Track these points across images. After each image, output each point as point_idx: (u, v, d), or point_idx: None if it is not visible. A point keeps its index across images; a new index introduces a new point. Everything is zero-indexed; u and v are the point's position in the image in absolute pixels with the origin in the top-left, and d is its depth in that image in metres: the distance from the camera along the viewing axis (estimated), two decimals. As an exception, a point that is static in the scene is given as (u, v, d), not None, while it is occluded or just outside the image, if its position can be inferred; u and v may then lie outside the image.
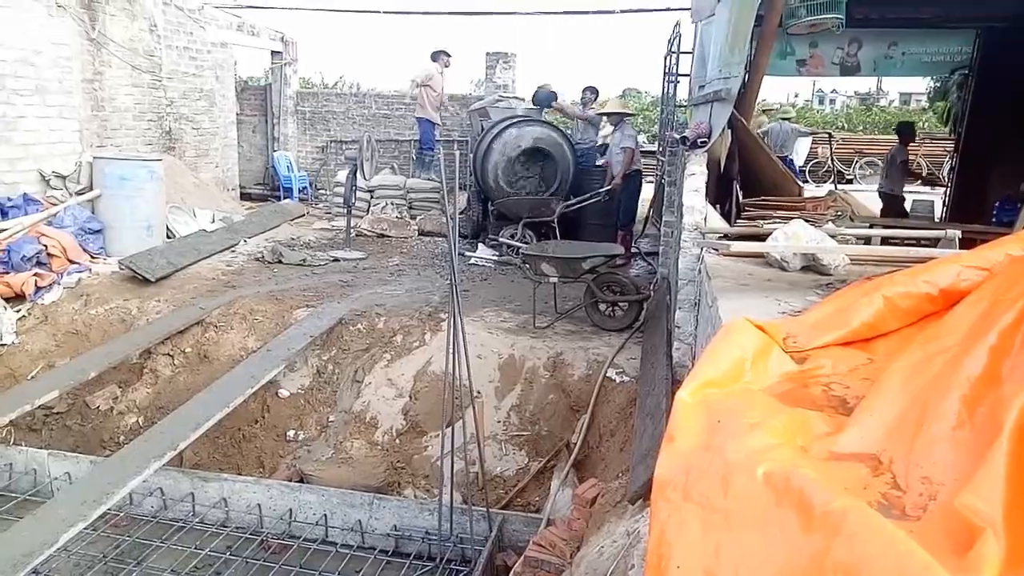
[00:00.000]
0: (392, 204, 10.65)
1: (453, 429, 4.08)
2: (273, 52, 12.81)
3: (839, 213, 5.28)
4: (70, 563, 4.12)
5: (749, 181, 5.43)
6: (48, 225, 6.88)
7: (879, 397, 1.72)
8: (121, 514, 4.55)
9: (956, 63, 8.84)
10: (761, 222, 4.29)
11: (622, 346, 5.42)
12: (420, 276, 7.45)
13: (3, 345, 5.79)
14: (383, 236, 9.50)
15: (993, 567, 1.08)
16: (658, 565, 1.45)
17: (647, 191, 9.88)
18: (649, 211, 9.67)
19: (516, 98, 10.99)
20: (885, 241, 4.37)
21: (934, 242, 4.12)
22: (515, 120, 9.00)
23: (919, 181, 9.52)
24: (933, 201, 8.97)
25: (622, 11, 10.88)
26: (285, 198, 12.07)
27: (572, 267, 5.77)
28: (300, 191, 12.58)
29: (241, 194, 11.94)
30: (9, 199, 6.90)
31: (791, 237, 3.52)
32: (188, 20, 9.86)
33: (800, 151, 14.12)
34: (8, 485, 4.79)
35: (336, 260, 8.02)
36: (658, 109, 13.50)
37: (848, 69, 8.88)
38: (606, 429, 4.73)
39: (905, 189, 8.91)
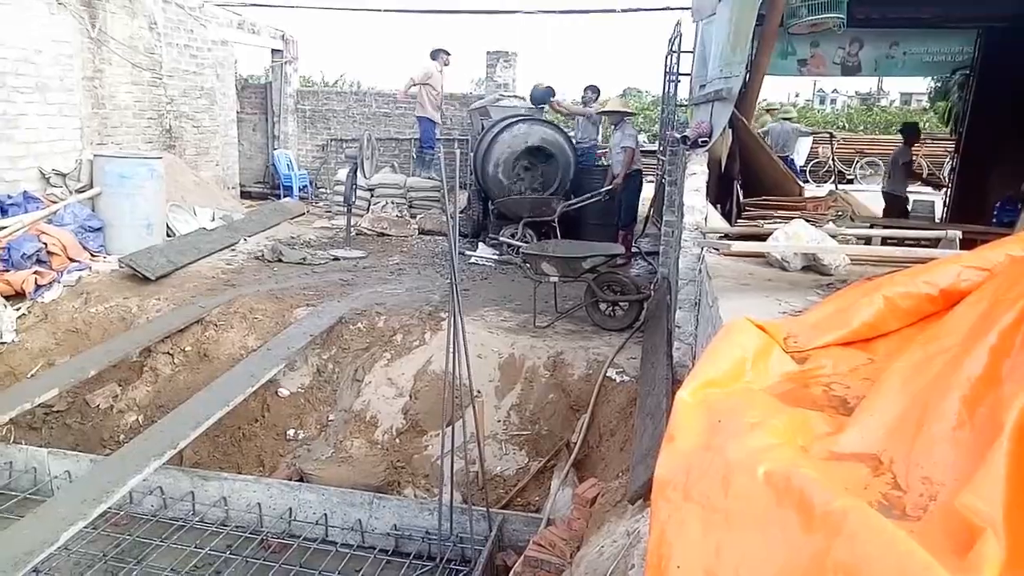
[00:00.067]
0: (392, 203, 10.64)
1: (453, 428, 4.08)
2: (274, 50, 12.81)
3: (840, 213, 5.28)
4: (70, 562, 4.12)
5: (750, 181, 5.43)
6: (48, 223, 6.88)
7: (879, 397, 1.72)
8: (121, 513, 4.55)
9: (957, 63, 8.84)
10: (762, 222, 4.29)
11: (622, 346, 5.42)
12: (420, 275, 7.45)
13: (3, 343, 5.79)
14: (383, 235, 9.50)
15: (993, 567, 1.07)
16: (658, 565, 1.45)
17: (648, 191, 9.88)
18: (650, 211, 9.67)
19: (517, 97, 10.99)
20: (886, 241, 4.37)
21: (935, 242, 4.12)
22: (516, 119, 9.00)
23: (919, 182, 9.52)
24: (933, 201, 8.98)
25: (623, 10, 10.87)
26: (285, 196, 12.07)
27: (572, 266, 5.77)
28: (300, 190, 12.58)
29: (241, 192, 11.93)
30: (9, 197, 6.90)
31: (792, 237, 3.52)
32: (188, 18, 9.86)
33: (801, 151, 14.12)
34: (8, 483, 4.79)
35: (336, 259, 8.02)
36: (659, 108, 13.50)
37: (849, 69, 8.88)
38: (606, 429, 4.73)
39: (908, 190, 8.92)
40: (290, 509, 4.55)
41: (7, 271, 6.27)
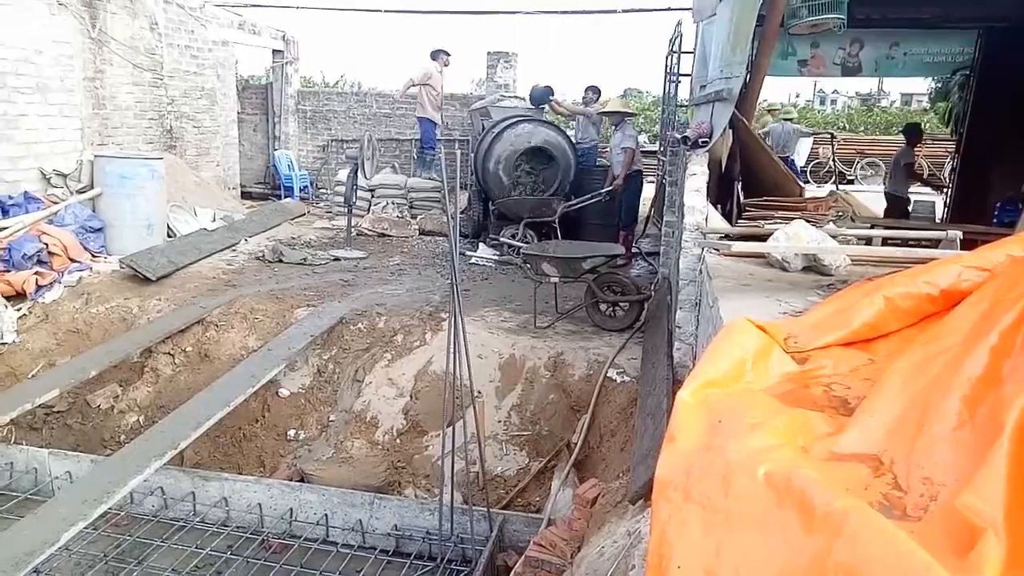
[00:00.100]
0: (393, 203, 10.65)
1: (454, 429, 4.08)
2: (274, 51, 12.82)
3: (840, 214, 5.27)
4: (71, 562, 4.12)
5: (750, 181, 5.43)
6: (49, 223, 6.88)
7: (880, 397, 1.72)
8: (122, 513, 4.55)
9: (957, 63, 8.84)
10: (762, 222, 4.29)
11: (623, 346, 5.42)
12: (421, 275, 7.46)
13: (4, 344, 5.80)
14: (384, 235, 9.50)
15: (994, 567, 1.07)
16: (659, 565, 1.45)
17: (648, 191, 9.88)
18: (650, 211, 9.67)
19: (517, 97, 10.99)
20: (887, 242, 4.37)
21: (935, 243, 4.12)
22: (516, 120, 9.00)
23: (920, 183, 9.53)
24: (934, 202, 8.98)
25: (624, 11, 10.87)
26: (286, 197, 12.07)
27: (573, 267, 5.77)
28: (301, 190, 12.59)
29: (242, 193, 11.94)
30: (10, 197, 6.90)
31: (792, 237, 3.52)
32: (189, 18, 9.87)
33: (801, 151, 14.13)
34: (9, 484, 4.79)
35: (337, 259, 8.03)
36: (659, 109, 13.50)
37: (849, 69, 8.88)
38: (607, 429, 4.73)
39: (911, 190, 8.92)
40: (291, 509, 4.55)
41: (8, 271, 6.27)
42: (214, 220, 8.72)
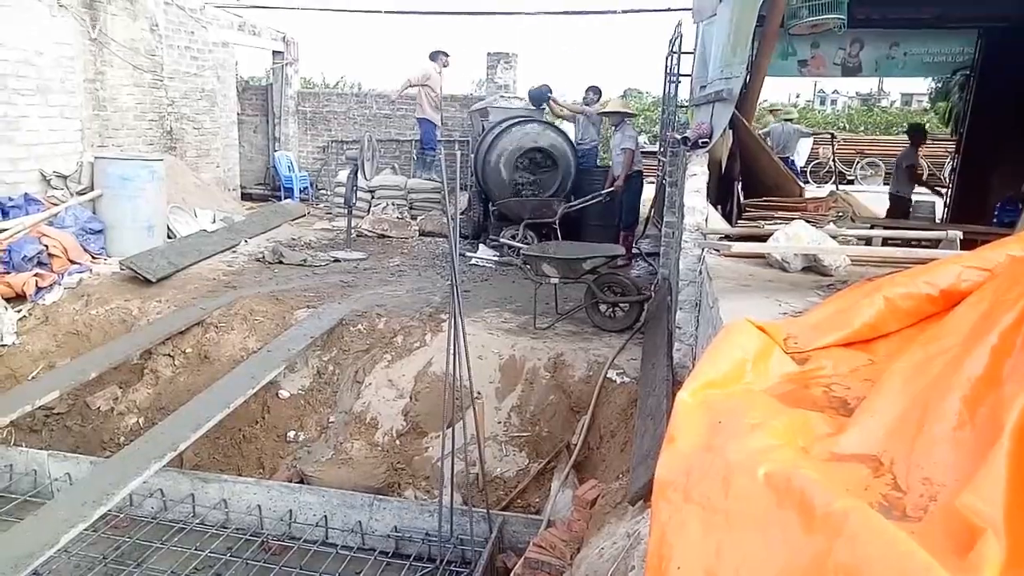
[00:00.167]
0: (393, 204, 10.66)
1: (453, 430, 4.07)
2: (274, 52, 12.82)
3: (840, 214, 5.27)
4: (70, 564, 4.12)
5: (750, 182, 5.43)
6: (49, 225, 6.89)
7: (880, 398, 1.72)
8: (121, 515, 4.54)
9: (958, 63, 8.84)
10: (762, 223, 4.29)
11: (623, 347, 5.42)
12: (421, 277, 7.46)
13: (3, 345, 5.80)
14: (384, 236, 9.50)
15: (994, 568, 1.07)
16: (659, 566, 1.45)
17: (648, 191, 9.88)
18: (650, 212, 9.67)
19: (517, 98, 10.99)
20: (888, 242, 4.37)
21: (935, 243, 4.12)
22: (516, 120, 9.00)
23: (919, 186, 9.54)
24: (934, 202, 8.98)
25: (624, 11, 10.87)
26: (286, 198, 12.08)
27: (573, 268, 5.77)
28: (301, 191, 12.60)
29: (242, 194, 11.94)
30: (10, 199, 6.91)
31: (792, 238, 3.52)
32: (189, 20, 9.87)
33: (801, 152, 14.13)
34: (8, 486, 4.78)
35: (337, 260, 8.03)
36: (659, 109, 13.50)
37: (850, 70, 8.88)
38: (606, 430, 4.73)
39: (915, 191, 8.93)
40: (290, 511, 4.54)
41: (8, 273, 6.28)
42: (214, 221, 8.73)
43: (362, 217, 9.96)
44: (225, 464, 5.20)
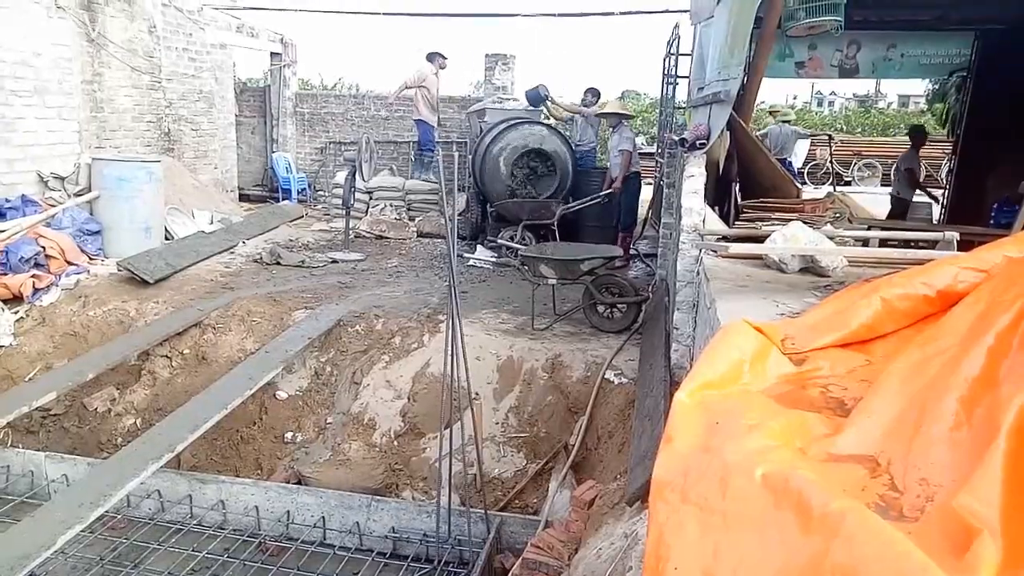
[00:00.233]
0: (391, 206, 10.65)
1: (451, 431, 4.07)
2: (272, 53, 12.82)
3: (837, 215, 5.28)
4: (67, 566, 4.11)
5: (748, 183, 5.43)
6: (46, 226, 6.88)
7: (877, 399, 1.72)
8: (119, 516, 4.54)
9: (954, 65, 8.86)
10: (759, 224, 4.29)
11: (620, 348, 5.42)
12: (419, 278, 7.45)
13: (0, 347, 5.78)
14: (382, 238, 9.50)
15: (990, 568, 1.07)
16: (656, 567, 1.45)
17: (646, 193, 9.89)
18: (648, 213, 9.67)
19: (515, 100, 11.00)
20: (886, 243, 4.37)
21: (932, 244, 4.12)
22: (514, 122, 9.01)
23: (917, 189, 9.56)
24: (932, 203, 9.00)
25: (621, 13, 10.89)
26: (284, 199, 12.07)
27: (571, 269, 5.77)
28: (299, 192, 12.59)
29: (240, 195, 11.93)
30: (7, 200, 6.89)
31: (789, 239, 3.52)
32: (187, 21, 9.86)
33: (799, 153, 14.16)
34: (5, 487, 4.77)
35: (335, 262, 8.02)
36: (657, 111, 13.51)
37: (847, 71, 8.89)
38: (604, 431, 4.73)
39: (916, 193, 8.95)
40: (288, 512, 4.54)
41: (5, 274, 6.26)
42: (212, 223, 8.72)
43: (360, 218, 9.96)
44: (223, 465, 5.20)
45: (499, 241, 7.67)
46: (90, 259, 7.02)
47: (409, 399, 5.27)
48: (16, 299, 6.16)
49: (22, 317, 6.08)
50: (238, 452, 5.26)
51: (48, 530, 3.33)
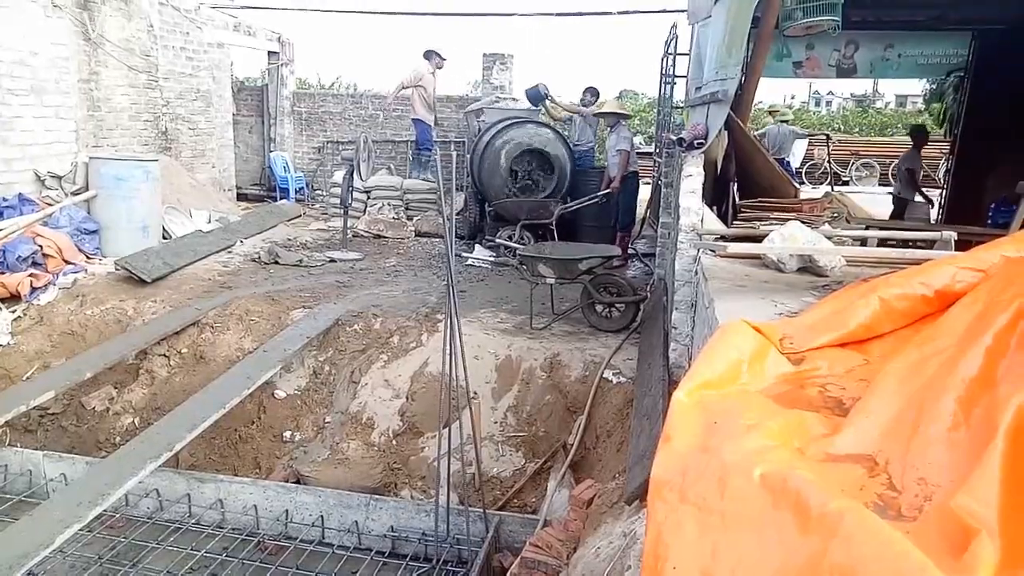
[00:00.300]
0: (389, 205, 10.65)
1: (450, 430, 4.07)
2: (270, 52, 12.80)
3: (835, 215, 5.28)
4: (65, 564, 4.11)
5: (745, 183, 5.44)
6: (44, 225, 6.86)
7: (875, 398, 1.73)
8: (117, 515, 4.53)
9: (952, 65, 8.88)
10: (758, 223, 4.29)
11: (619, 347, 5.43)
12: (417, 277, 7.45)
13: (-2, 346, 5.78)
14: (380, 237, 9.50)
15: (988, 568, 1.08)
16: (654, 566, 1.45)
17: (644, 192, 9.89)
18: (646, 212, 9.67)
19: (513, 99, 10.99)
20: (886, 243, 4.38)
21: (930, 244, 4.13)
22: (512, 121, 9.01)
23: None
24: (930, 203, 9.01)
25: (619, 12, 10.89)
26: (281, 199, 12.06)
27: (569, 268, 5.78)
28: (297, 192, 12.57)
29: (237, 195, 11.92)
30: (4, 199, 6.88)
31: (788, 238, 3.53)
32: (184, 20, 9.85)
33: (797, 153, 14.16)
34: (3, 486, 4.77)
35: (333, 261, 8.02)
36: (655, 110, 13.51)
37: (844, 71, 8.90)
38: (603, 430, 4.73)
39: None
40: (287, 511, 4.54)
41: (2, 273, 6.25)
42: (209, 222, 8.71)
43: (358, 218, 9.95)
44: (221, 464, 5.20)
45: (497, 240, 7.67)
46: (87, 258, 7.01)
47: (408, 398, 5.27)
48: (13, 298, 6.16)
49: (20, 316, 6.07)
50: (236, 451, 5.26)
51: (46, 529, 3.33)
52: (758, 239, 3.72)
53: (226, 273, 7.26)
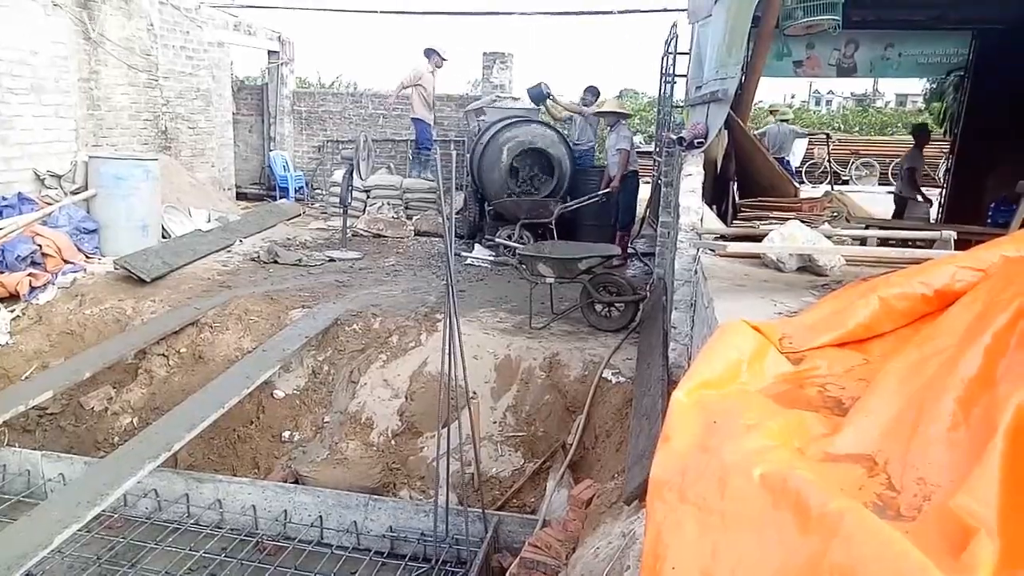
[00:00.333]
0: (388, 204, 10.64)
1: (449, 430, 4.07)
2: (270, 52, 12.80)
3: (835, 214, 5.28)
4: (64, 565, 4.11)
5: (745, 182, 5.43)
6: (43, 225, 6.86)
7: (875, 398, 1.72)
8: (115, 515, 4.53)
9: (952, 65, 8.88)
10: (757, 223, 4.29)
11: (618, 347, 5.42)
12: (416, 276, 7.45)
13: (-3, 345, 5.78)
14: (379, 236, 9.49)
15: (987, 568, 1.07)
16: (654, 566, 1.45)
17: (644, 192, 9.88)
18: (646, 212, 9.67)
19: (513, 98, 10.98)
20: (888, 243, 4.38)
21: (930, 243, 4.13)
22: (512, 120, 9.01)
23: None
24: (930, 202, 9.01)
25: (620, 12, 10.89)
26: (281, 198, 12.06)
27: (568, 267, 5.77)
28: (296, 191, 12.57)
29: (237, 194, 11.91)
30: (4, 198, 6.88)
31: (787, 238, 3.52)
32: (184, 19, 9.84)
33: (797, 152, 14.17)
34: (1, 487, 4.77)
35: (332, 260, 8.01)
36: (655, 110, 13.51)
37: (845, 70, 8.91)
38: (602, 430, 4.73)
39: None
40: (285, 511, 4.53)
41: (1, 273, 6.25)
42: (209, 221, 8.70)
43: (358, 217, 9.95)
44: (220, 464, 5.19)
45: (497, 240, 7.67)
46: (87, 257, 7.00)
47: (407, 398, 5.27)
48: (12, 297, 6.15)
49: (18, 316, 6.07)
50: (235, 451, 5.25)
51: (45, 529, 3.33)
52: (758, 238, 3.72)
53: (225, 272, 7.26)
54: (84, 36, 8.01)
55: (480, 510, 4.23)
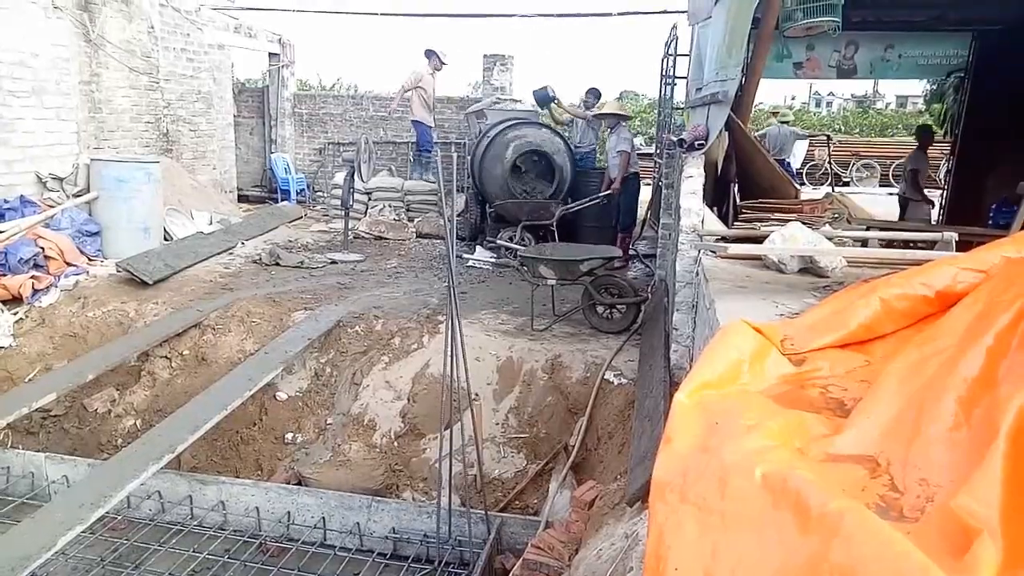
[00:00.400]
0: (390, 206, 10.65)
1: (451, 431, 4.08)
2: (271, 54, 12.81)
3: (836, 215, 5.28)
4: (68, 567, 4.11)
5: (746, 183, 5.44)
6: (45, 227, 6.87)
7: (876, 399, 1.73)
8: (119, 517, 4.54)
9: (952, 66, 8.88)
10: (758, 224, 4.30)
11: (620, 348, 5.43)
12: (418, 278, 7.46)
13: (0, 348, 5.78)
14: (381, 238, 9.50)
15: (990, 569, 1.08)
16: (656, 567, 1.46)
17: (645, 193, 9.89)
18: (647, 213, 9.67)
19: (513, 100, 10.99)
20: (891, 244, 4.38)
21: (931, 244, 4.13)
22: (513, 122, 9.02)
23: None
24: (932, 203, 9.02)
25: (620, 13, 10.91)
26: (283, 200, 12.06)
27: (570, 269, 5.78)
28: (298, 193, 12.58)
29: (238, 196, 11.93)
30: (6, 201, 6.89)
31: (788, 239, 3.53)
32: (185, 22, 9.86)
33: (797, 154, 14.16)
34: (5, 488, 4.77)
35: (334, 262, 8.02)
36: (655, 112, 13.52)
37: (845, 72, 8.91)
38: (604, 431, 4.73)
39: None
40: (288, 513, 4.54)
41: (4, 275, 6.26)
42: (211, 223, 8.71)
43: (359, 219, 9.96)
44: (223, 466, 5.20)
45: (498, 242, 7.68)
46: (89, 260, 7.01)
47: (409, 400, 5.28)
48: (15, 300, 6.16)
49: (21, 318, 6.08)
50: (238, 453, 5.26)
51: (48, 531, 3.34)
52: (759, 240, 3.73)
53: (227, 275, 7.27)
54: (85, 38, 8.02)
55: (483, 511, 4.23)
